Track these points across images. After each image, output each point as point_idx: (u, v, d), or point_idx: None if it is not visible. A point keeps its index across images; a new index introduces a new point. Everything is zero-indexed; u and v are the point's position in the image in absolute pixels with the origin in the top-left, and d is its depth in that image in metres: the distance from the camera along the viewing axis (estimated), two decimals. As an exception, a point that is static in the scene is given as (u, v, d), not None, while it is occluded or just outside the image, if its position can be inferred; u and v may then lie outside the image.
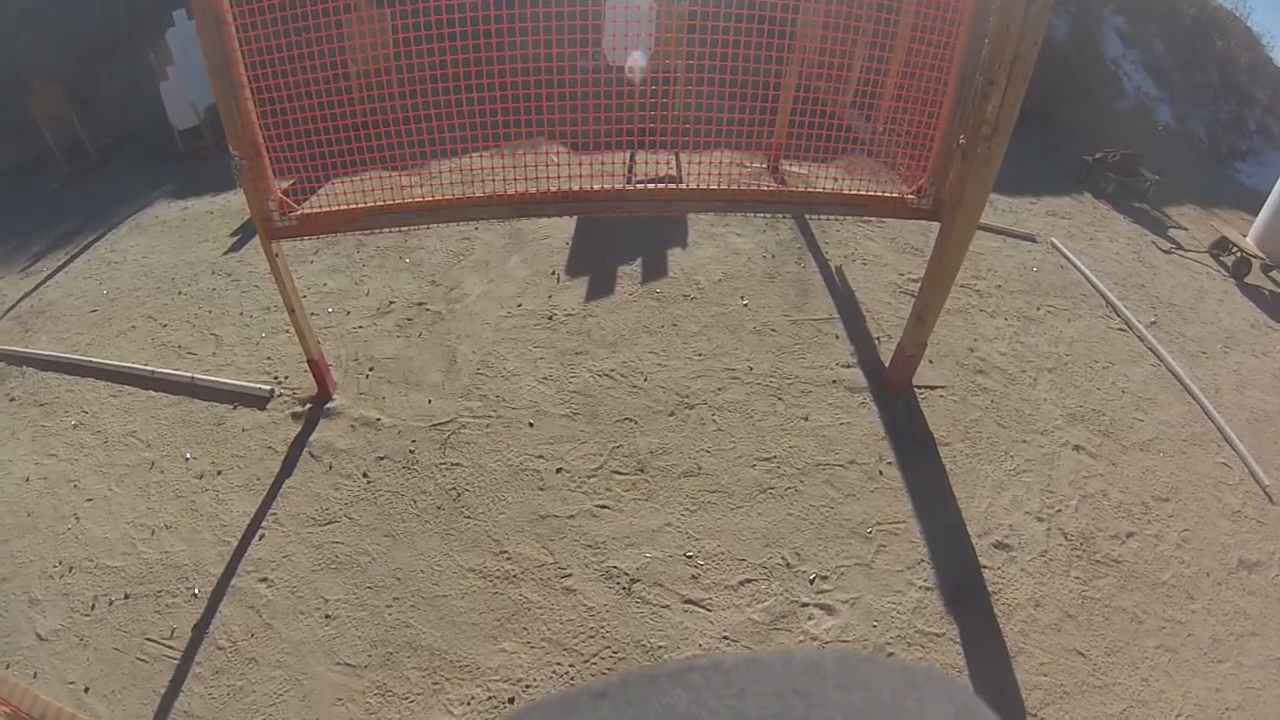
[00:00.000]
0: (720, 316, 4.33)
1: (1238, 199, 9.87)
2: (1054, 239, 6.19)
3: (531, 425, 3.87)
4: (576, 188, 3.50)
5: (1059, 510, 3.85)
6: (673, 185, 3.75)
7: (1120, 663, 3.41)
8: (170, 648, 3.13)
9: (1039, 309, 5.19)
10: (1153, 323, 5.74)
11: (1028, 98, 3.26)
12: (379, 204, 3.55)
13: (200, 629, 3.19)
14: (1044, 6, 3.01)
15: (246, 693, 2.95)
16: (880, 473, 3.66)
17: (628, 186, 3.68)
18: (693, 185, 3.60)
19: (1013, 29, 3.05)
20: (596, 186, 3.53)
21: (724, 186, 3.58)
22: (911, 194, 3.70)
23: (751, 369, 4.04)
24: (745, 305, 4.42)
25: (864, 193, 3.70)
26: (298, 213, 3.52)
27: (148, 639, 3.17)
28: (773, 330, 4.27)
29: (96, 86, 8.25)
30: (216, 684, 2.99)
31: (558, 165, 3.49)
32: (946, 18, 3.33)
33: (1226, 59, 11.72)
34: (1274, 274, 7.51)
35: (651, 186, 3.70)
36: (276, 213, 3.48)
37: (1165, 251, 7.32)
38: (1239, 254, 7.40)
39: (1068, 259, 5.98)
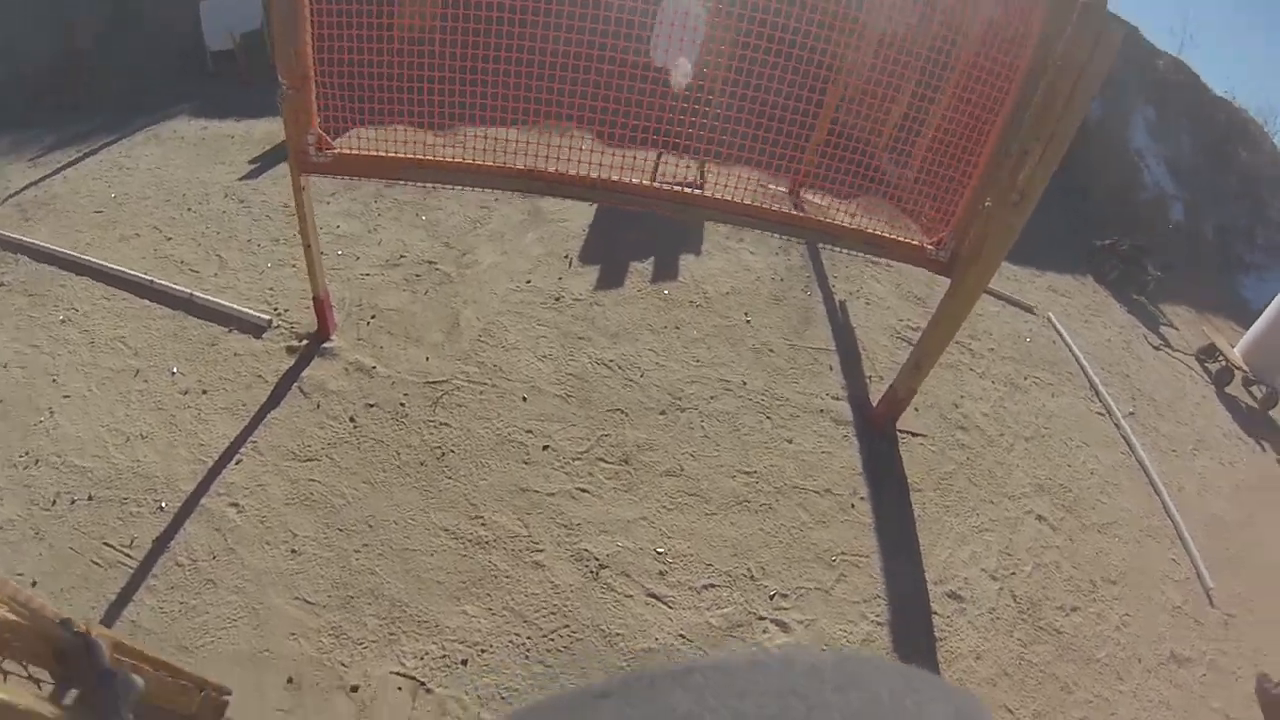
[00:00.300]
0: (722, 328, 4.50)
1: (1233, 309, 10.13)
2: (1051, 314, 6.44)
3: (525, 400, 3.99)
4: (609, 176, 3.64)
5: (1013, 573, 4.04)
6: (697, 191, 3.89)
7: None
8: (128, 555, 3.17)
9: (1026, 379, 5.41)
10: (1131, 413, 5.98)
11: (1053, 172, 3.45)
12: (417, 157, 3.66)
13: (161, 542, 3.23)
14: (1091, 86, 3.19)
15: (199, 613, 3.00)
16: (852, 505, 3.84)
17: (658, 185, 3.82)
18: (717, 196, 3.75)
19: (1057, 102, 3.23)
20: (630, 179, 3.68)
21: (748, 202, 3.74)
22: (931, 244, 3.88)
23: (745, 384, 4.21)
24: (748, 321, 4.59)
25: (885, 234, 3.87)
26: (334, 151, 3.62)
27: (105, 543, 3.21)
28: (771, 350, 4.45)
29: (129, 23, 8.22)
30: (170, 599, 3.03)
31: (584, 151, 3.61)
32: (995, 82, 3.50)
33: (1249, 171, 12.03)
34: (1254, 389, 7.65)
35: (679, 189, 3.84)
36: (313, 147, 3.58)
37: (1154, 347, 7.57)
38: (1224, 363, 7.55)
39: (1061, 336, 6.23)
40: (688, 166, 4.25)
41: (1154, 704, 4.03)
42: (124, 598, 3.04)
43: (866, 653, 3.30)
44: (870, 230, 3.87)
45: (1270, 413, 7.64)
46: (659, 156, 4.71)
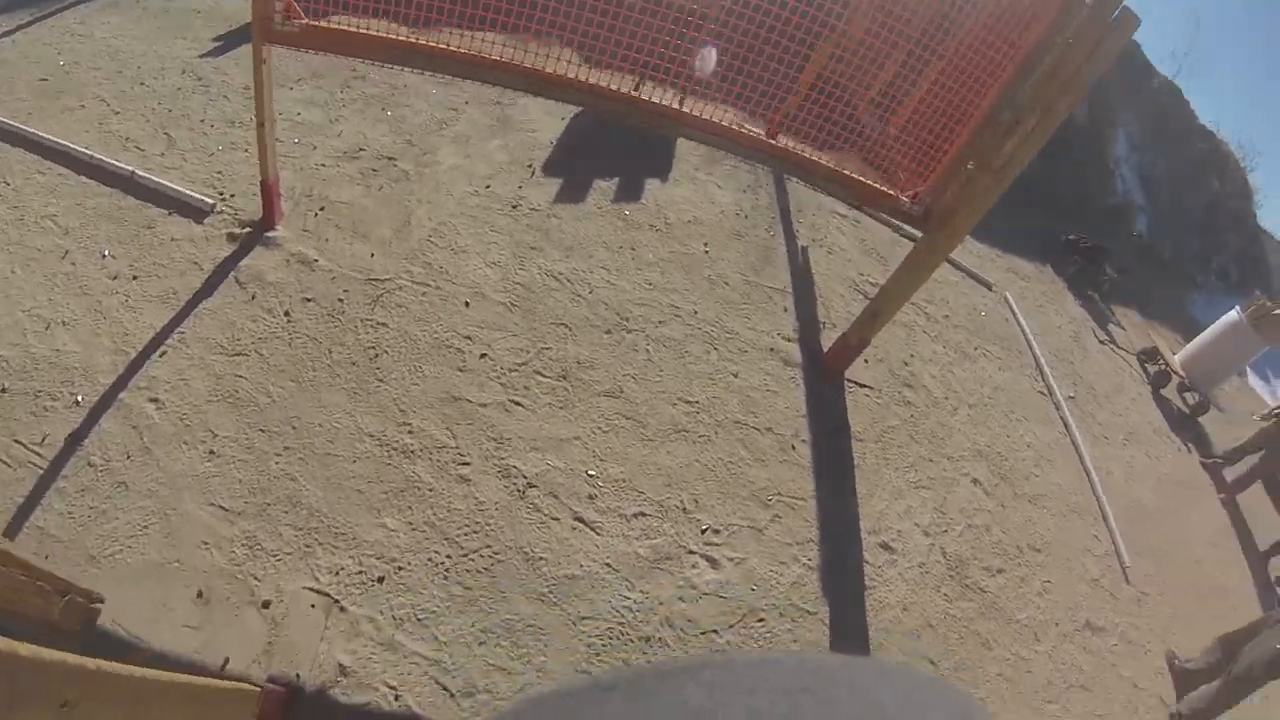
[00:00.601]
0: (680, 255, 4.18)
1: (1178, 322, 10.23)
2: (1008, 294, 6.28)
3: (468, 305, 3.68)
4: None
5: (945, 531, 3.88)
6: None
7: (964, 679, 3.46)
8: (38, 454, 2.80)
9: (976, 349, 5.25)
10: (1071, 397, 5.88)
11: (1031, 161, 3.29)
12: (392, 37, 3.29)
13: (75, 440, 2.86)
14: (1101, 62, 3.01)
15: (109, 518, 2.67)
16: (793, 447, 3.61)
17: (641, 97, 3.52)
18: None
19: (1063, 75, 3.04)
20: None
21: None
22: (907, 197, 3.69)
23: (696, 313, 3.91)
24: (707, 252, 4.27)
25: (864, 179, 3.66)
26: (302, 21, 3.24)
27: (16, 440, 2.83)
28: (726, 283, 4.15)
29: None
30: (79, 504, 2.69)
31: (568, 64, 3.32)
32: (1000, 46, 3.27)
33: (1217, 199, 12.16)
34: (1187, 395, 7.82)
35: (663, 104, 3.55)
36: (280, 15, 3.19)
37: (1100, 341, 7.54)
38: (1163, 367, 7.68)
39: (1014, 315, 6.08)
40: (670, 96, 3.92)
41: (1067, 667, 3.99)
42: (32, 501, 2.69)
43: (875, 656, 3.13)
44: (849, 173, 3.66)
45: (1199, 419, 7.76)
46: (639, 82, 4.37)
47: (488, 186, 4.23)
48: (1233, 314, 7.75)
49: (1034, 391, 5.54)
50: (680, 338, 3.79)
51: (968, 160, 3.44)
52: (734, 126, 3.60)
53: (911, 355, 4.63)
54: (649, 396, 3.52)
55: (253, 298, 3.54)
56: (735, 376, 3.75)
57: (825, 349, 4.11)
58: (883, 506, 3.69)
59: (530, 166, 4.40)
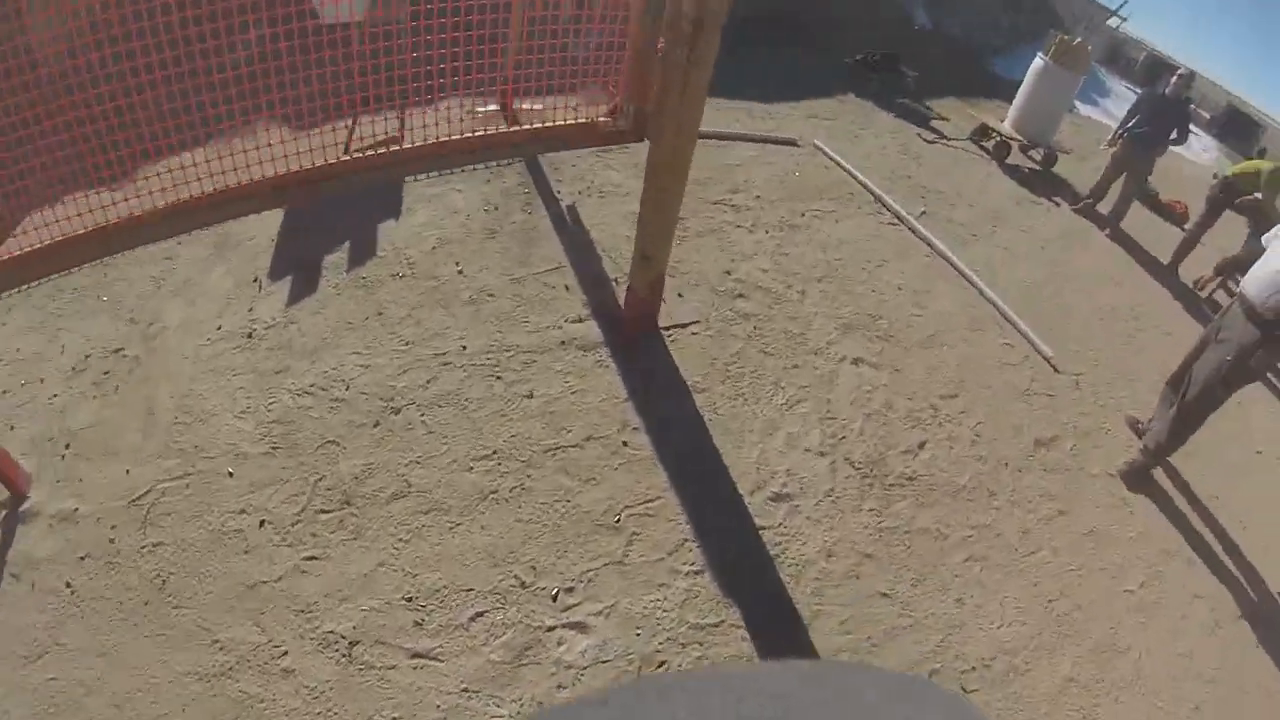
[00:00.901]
0: (431, 291, 3.19)
1: (994, 90, 9.65)
2: (817, 141, 5.40)
3: (231, 474, 2.73)
4: (277, 171, 2.46)
5: (842, 438, 3.08)
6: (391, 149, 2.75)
7: (929, 590, 2.74)
8: None
9: (804, 215, 4.38)
10: (923, 212, 5.12)
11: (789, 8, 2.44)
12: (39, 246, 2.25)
13: None
14: None
15: None
16: (624, 443, 2.72)
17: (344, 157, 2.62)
18: (413, 143, 2.73)
19: None
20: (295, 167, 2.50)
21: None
22: (605, 116, 2.81)
23: (465, 348, 2.96)
24: (460, 273, 3.29)
25: (545, 125, 2.80)
26: None
27: None
28: (490, 296, 3.18)
29: None
30: None
31: (270, 149, 2.43)
32: None
33: None
34: (1031, 153, 7.36)
35: (362, 155, 2.67)
36: None
37: (929, 142, 6.82)
38: (998, 138, 7.13)
39: (832, 159, 5.22)
40: (391, 121, 2.98)
41: (1036, 500, 3.28)
42: None
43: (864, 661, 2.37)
44: (527, 127, 2.81)
45: (1053, 170, 7.27)
46: (354, 123, 3.39)
47: (219, 328, 3.16)
48: (1038, 61, 7.24)
49: (884, 227, 4.75)
50: (454, 387, 2.84)
51: (654, 40, 2.59)
52: (466, 134, 2.81)
53: (732, 260, 3.73)
54: (440, 475, 2.59)
55: (32, 586, 2.54)
56: (529, 398, 2.82)
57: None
58: (758, 453, 2.85)
59: (256, 280, 3.33)
